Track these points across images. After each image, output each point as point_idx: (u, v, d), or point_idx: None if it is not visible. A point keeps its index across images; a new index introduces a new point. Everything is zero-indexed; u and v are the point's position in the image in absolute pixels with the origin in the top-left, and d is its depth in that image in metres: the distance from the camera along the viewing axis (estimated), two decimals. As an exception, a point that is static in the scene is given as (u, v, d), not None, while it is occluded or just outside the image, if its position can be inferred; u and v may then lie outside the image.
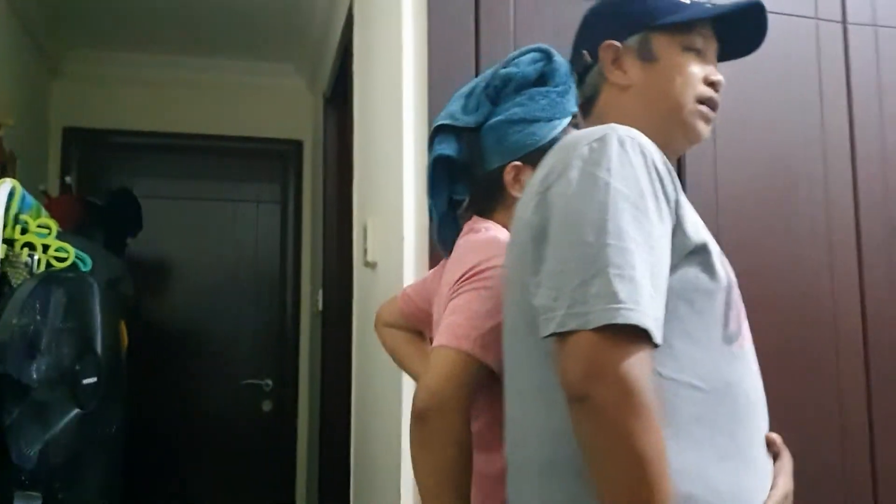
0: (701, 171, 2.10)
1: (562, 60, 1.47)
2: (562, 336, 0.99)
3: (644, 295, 0.98)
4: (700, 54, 1.27)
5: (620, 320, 0.96)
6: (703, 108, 1.26)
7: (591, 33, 1.33)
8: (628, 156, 1.07)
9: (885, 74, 2.21)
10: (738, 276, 2.03)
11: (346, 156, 3.00)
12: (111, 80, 4.17)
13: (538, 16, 2.04)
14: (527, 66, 1.46)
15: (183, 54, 4.20)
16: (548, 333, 1.02)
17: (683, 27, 1.25)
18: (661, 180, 1.08)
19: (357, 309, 2.77)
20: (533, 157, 1.38)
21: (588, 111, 1.34)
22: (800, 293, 2.11)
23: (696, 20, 1.26)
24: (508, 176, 1.44)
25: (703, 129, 1.27)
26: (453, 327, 1.29)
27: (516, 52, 1.50)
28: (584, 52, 1.32)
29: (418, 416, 1.23)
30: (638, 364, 0.96)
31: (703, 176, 2.11)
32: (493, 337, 1.27)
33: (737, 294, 1.20)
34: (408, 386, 1.94)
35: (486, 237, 1.42)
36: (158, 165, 4.31)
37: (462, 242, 1.45)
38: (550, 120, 1.44)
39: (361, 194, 2.74)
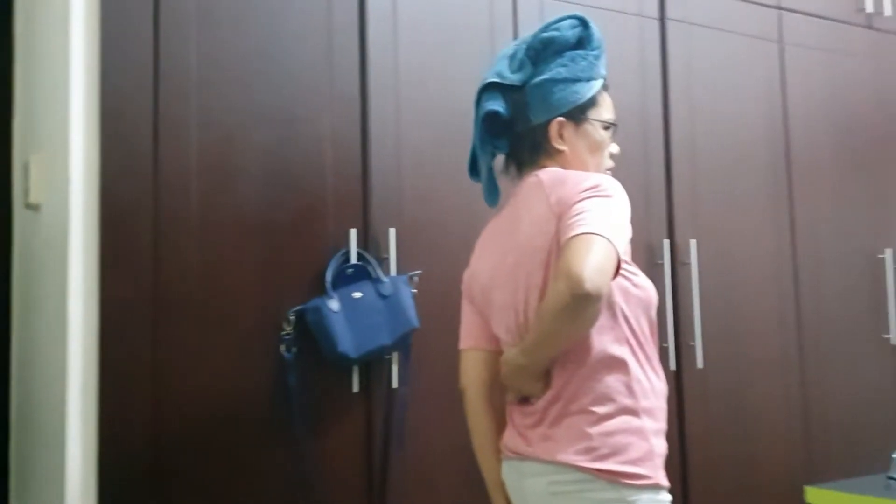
0: (385, 127, 2.18)
1: (595, 27, 1.61)
2: None
3: None
4: None
5: None
6: None
7: None
8: None
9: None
10: (417, 227, 2.17)
11: (6, 86, 2.70)
12: None
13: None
14: (567, 30, 1.58)
15: None
16: None
17: None
18: None
19: (18, 254, 2.54)
20: (573, 113, 1.57)
21: None
22: (472, 233, 2.24)
23: None
24: (553, 130, 1.57)
25: None
26: (599, 221, 1.36)
27: (554, 19, 1.62)
28: None
29: (586, 295, 1.29)
30: None
31: (387, 132, 2.19)
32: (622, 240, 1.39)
33: None
34: (74, 339, 1.84)
35: (584, 172, 1.52)
36: None
37: (551, 177, 1.52)
38: (589, 80, 1.59)
39: (23, 129, 2.50)
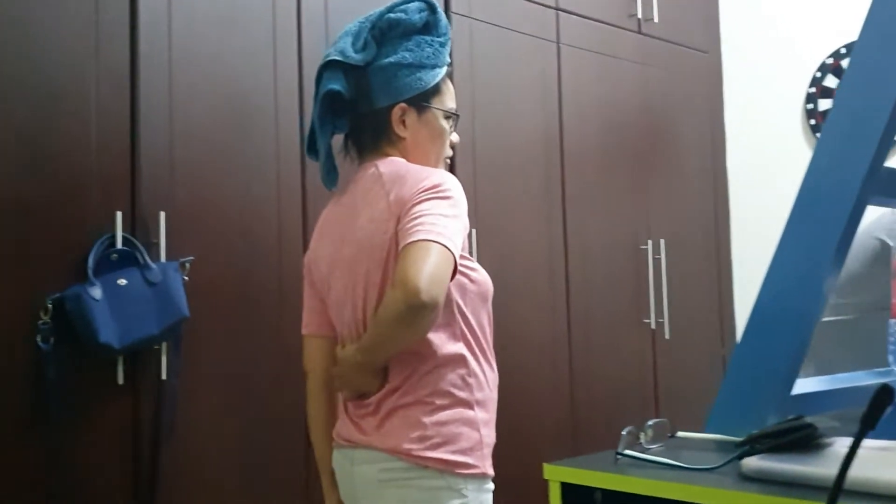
0: (156, 103, 2.07)
1: (442, 13, 1.59)
2: None
3: None
4: None
5: None
6: None
7: None
8: None
9: (333, 25, 2.39)
10: (189, 210, 2.07)
11: None
12: None
13: None
14: (414, 13, 1.56)
15: None
16: None
17: None
18: None
19: None
20: (416, 100, 1.56)
21: None
22: (248, 218, 2.22)
23: None
24: (395, 116, 1.55)
25: None
26: (437, 227, 1.36)
27: (401, 0, 1.58)
28: None
29: (422, 306, 1.30)
30: None
31: (159, 109, 2.08)
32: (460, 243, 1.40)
33: None
34: None
35: (424, 169, 1.50)
36: None
37: (391, 171, 1.50)
38: (434, 67, 1.57)
39: None
